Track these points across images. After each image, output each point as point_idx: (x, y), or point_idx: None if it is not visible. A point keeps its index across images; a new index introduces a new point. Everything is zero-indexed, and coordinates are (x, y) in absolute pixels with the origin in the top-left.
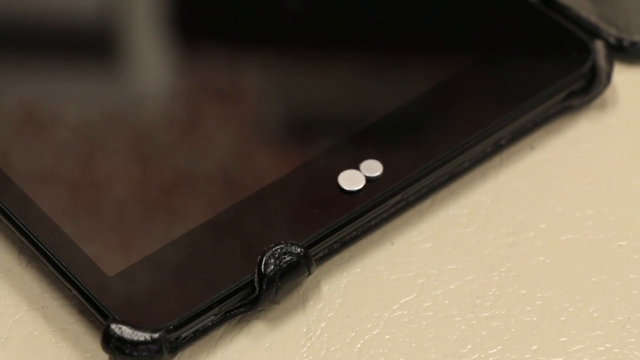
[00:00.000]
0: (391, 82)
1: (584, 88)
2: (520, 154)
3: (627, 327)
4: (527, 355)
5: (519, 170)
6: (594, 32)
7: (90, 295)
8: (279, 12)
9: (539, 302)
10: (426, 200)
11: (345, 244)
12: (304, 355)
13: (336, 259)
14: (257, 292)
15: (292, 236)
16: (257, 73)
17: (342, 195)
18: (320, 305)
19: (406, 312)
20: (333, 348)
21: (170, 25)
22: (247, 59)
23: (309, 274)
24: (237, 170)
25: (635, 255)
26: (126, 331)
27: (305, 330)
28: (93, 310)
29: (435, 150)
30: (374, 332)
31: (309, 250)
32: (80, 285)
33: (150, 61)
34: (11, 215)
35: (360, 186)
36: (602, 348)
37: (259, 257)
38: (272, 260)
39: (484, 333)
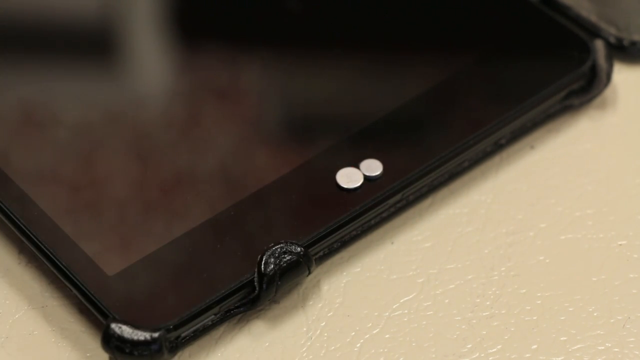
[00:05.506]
0: (391, 81)
1: (584, 87)
2: (520, 154)
3: (627, 326)
4: (527, 355)
5: (519, 169)
6: (594, 32)
7: (90, 295)
8: (279, 11)
9: (538, 302)
10: (426, 200)
11: (345, 243)
12: (304, 354)
13: (336, 258)
14: (257, 292)
15: (292, 235)
16: (257, 72)
17: (341, 195)
18: (320, 305)
19: (406, 311)
20: (333, 347)
21: (169, 24)
22: (246, 59)
23: (309, 273)
24: (236, 170)
25: (635, 254)
26: (126, 330)
27: (305, 329)
28: (93, 310)
29: (435, 150)
30: (374, 332)
31: (309, 250)
32: (80, 284)
33: (150, 60)
34: (11, 215)
35: (359, 184)
36: (602, 347)
37: (259, 256)
38: (272, 260)
39: (484, 332)
